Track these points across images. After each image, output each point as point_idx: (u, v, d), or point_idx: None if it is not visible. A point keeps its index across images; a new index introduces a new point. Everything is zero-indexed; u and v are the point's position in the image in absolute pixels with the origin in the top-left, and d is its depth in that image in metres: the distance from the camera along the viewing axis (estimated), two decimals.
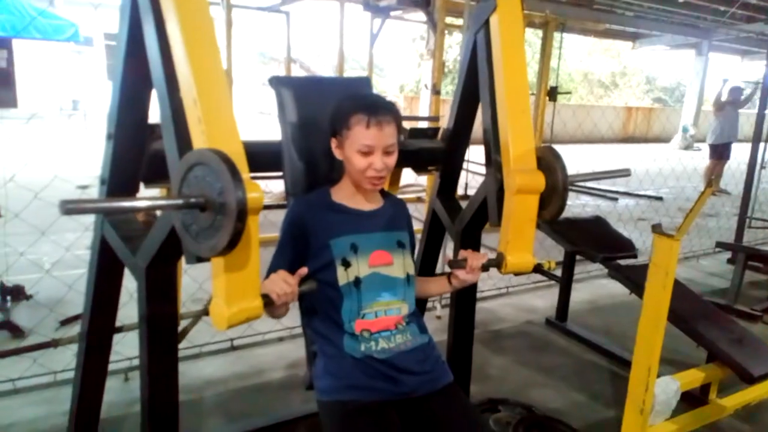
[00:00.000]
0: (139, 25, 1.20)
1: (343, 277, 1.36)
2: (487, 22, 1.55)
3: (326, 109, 1.42)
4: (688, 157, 12.74)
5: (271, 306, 1.17)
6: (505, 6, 1.49)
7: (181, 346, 2.26)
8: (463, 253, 1.41)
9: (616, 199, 7.84)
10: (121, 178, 1.41)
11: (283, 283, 1.18)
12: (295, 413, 2.29)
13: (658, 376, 2.23)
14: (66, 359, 2.45)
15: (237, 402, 2.42)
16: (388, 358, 1.36)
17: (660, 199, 7.98)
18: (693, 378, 2.44)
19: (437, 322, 3.28)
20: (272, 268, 1.32)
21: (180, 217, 1.06)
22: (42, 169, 3.26)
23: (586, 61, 27.68)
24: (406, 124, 1.77)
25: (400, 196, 1.64)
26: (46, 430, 2.13)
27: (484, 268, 1.51)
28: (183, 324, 2.41)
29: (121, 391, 2.41)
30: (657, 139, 18.47)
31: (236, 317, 1.08)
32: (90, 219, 1.58)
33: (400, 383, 1.36)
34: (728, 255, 4.99)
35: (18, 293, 3.20)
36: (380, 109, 1.33)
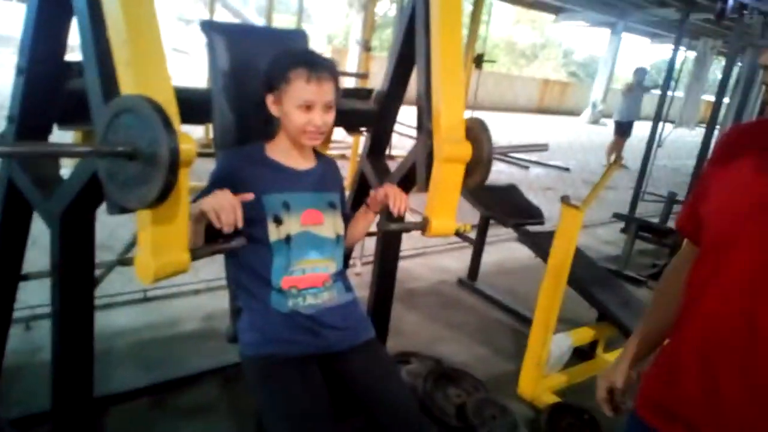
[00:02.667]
0: None
1: (274, 233, 1.37)
2: None
3: (261, 60, 1.38)
4: (595, 131, 13.59)
5: (208, 256, 1.13)
6: None
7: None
8: (386, 188, 1.42)
9: (527, 168, 8.26)
10: (33, 117, 1.29)
11: (230, 208, 1.11)
12: (211, 364, 2.29)
13: (555, 333, 2.47)
14: None
15: (150, 352, 2.38)
16: (314, 314, 1.39)
17: (567, 170, 8.50)
18: (584, 335, 2.71)
19: (356, 279, 3.36)
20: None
21: (105, 165, 1.01)
22: None
23: (511, 30, 28.29)
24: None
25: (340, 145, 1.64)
26: None
27: (409, 230, 1.57)
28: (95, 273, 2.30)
29: (22, 340, 2.29)
30: (569, 112, 19.50)
31: (163, 270, 1.06)
32: None
33: (323, 337, 1.40)
34: (622, 225, 5.47)
35: None
36: (320, 65, 1.32)
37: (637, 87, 8.69)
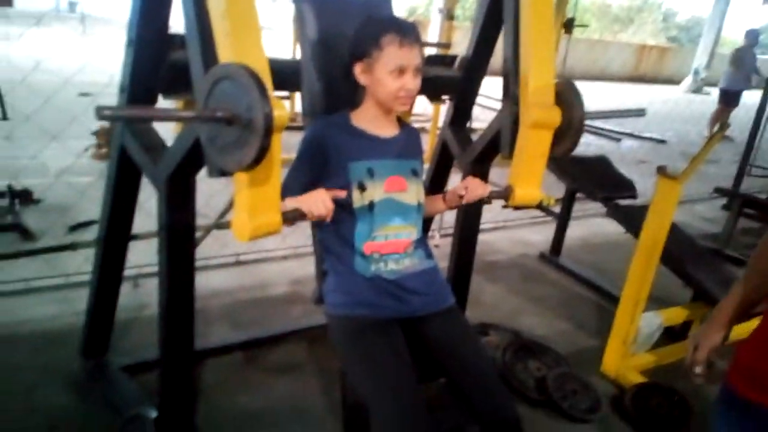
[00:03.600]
0: None
1: (358, 199, 1.40)
2: None
3: (348, 28, 1.40)
4: (697, 100, 12.54)
5: (298, 220, 1.23)
6: None
7: None
8: (464, 183, 1.45)
9: (619, 140, 7.80)
10: (141, 86, 1.41)
11: (323, 206, 1.23)
12: (298, 325, 2.42)
13: (644, 311, 2.36)
14: (76, 263, 2.53)
15: (242, 312, 2.55)
16: (396, 279, 1.43)
17: (663, 142, 7.95)
18: (676, 315, 2.57)
19: (435, 251, 3.37)
20: (288, 184, 1.35)
21: (206, 130, 1.08)
22: (41, 75, 3.21)
23: None
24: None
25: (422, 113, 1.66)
26: (59, 328, 2.24)
27: (490, 199, 1.55)
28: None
29: (131, 297, 2.51)
30: (669, 81, 18.08)
31: (258, 230, 1.13)
32: (93, 125, 1.58)
33: (406, 302, 1.43)
34: (724, 201, 5.06)
35: (26, 197, 3.25)
36: (409, 30, 1.33)
37: (748, 51, 7.89)
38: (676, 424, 2.06)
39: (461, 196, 1.48)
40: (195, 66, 1.12)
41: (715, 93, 9.09)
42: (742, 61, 7.94)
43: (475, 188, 1.45)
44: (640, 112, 1.52)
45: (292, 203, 1.24)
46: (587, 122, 1.45)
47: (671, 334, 2.65)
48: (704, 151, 2.02)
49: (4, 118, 4.88)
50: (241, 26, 1.05)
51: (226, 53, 1.06)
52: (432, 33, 10.38)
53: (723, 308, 1.13)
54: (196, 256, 2.68)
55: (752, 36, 8.00)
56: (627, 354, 2.37)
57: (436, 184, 2.23)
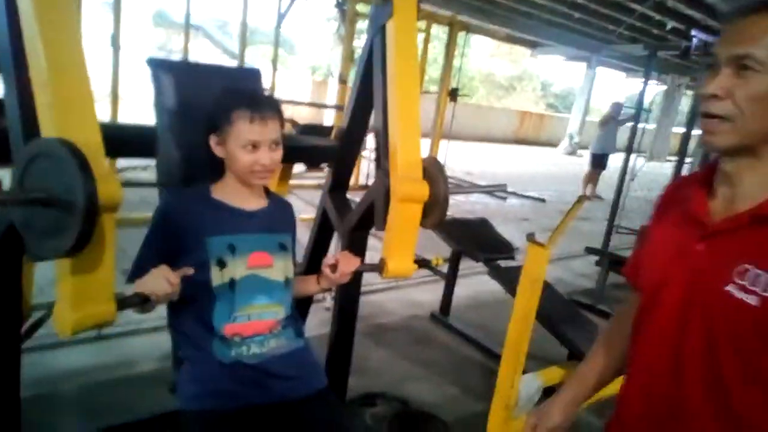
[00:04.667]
0: None
1: (217, 277, 1.30)
2: (383, 28, 1.54)
3: (209, 98, 1.33)
4: (572, 162, 13.81)
5: (145, 304, 1.11)
6: (401, 13, 1.48)
7: (40, 333, 2.06)
8: (336, 256, 1.41)
9: (504, 199, 8.29)
10: None
11: (166, 283, 1.11)
12: (165, 409, 2.17)
13: (525, 372, 2.40)
14: None
15: (101, 396, 2.26)
16: (259, 363, 1.32)
17: (543, 201, 8.56)
18: (554, 375, 2.64)
19: (326, 313, 3.27)
20: (141, 261, 1.26)
21: (20, 213, 0.94)
22: None
23: (489, 62, 28.87)
24: (309, 116, 1.72)
25: (298, 183, 1.61)
26: None
27: (365, 271, 1.51)
28: (37, 315, 2.19)
29: None
30: (546, 143, 19.80)
31: (82, 323, 0.99)
32: None
33: (269, 388, 1.33)
34: (598, 257, 5.46)
35: None
36: (263, 105, 1.29)
37: (613, 120, 8.86)
38: None
39: (332, 273, 1.42)
40: (14, 138, 0.99)
41: (587, 155, 10.04)
42: (608, 128, 8.88)
43: (345, 264, 1.41)
44: (501, 187, 1.58)
45: (138, 286, 1.12)
46: (474, 182, 1.48)
47: (551, 394, 2.72)
48: (566, 219, 2.14)
49: None
50: (67, 96, 0.94)
51: (48, 127, 0.94)
52: (330, 95, 10.64)
53: (566, 389, 1.14)
54: (48, 331, 2.41)
55: (616, 108, 9.01)
56: (509, 418, 2.38)
57: (316, 251, 2.17)
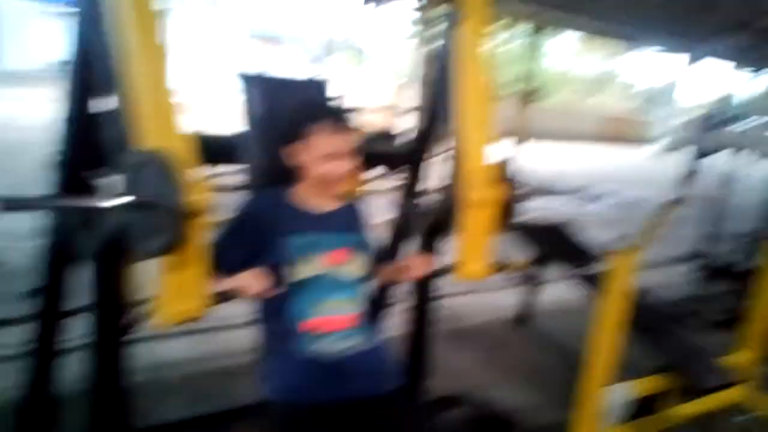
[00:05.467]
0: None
1: (297, 274, 1.37)
2: (452, 33, 1.55)
3: (291, 109, 1.42)
4: (667, 164, 12.93)
5: (232, 299, 1.21)
6: (471, 19, 1.48)
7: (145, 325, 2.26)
8: (408, 259, 1.45)
9: (591, 201, 7.92)
10: (70, 166, 1.39)
11: (257, 283, 1.22)
12: (258, 398, 2.30)
13: (613, 382, 2.29)
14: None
15: (201, 384, 2.43)
16: (338, 359, 1.37)
17: (634, 204, 8.08)
18: (645, 386, 2.50)
19: (403, 316, 3.30)
20: (220, 254, 1.29)
21: (126, 216, 1.05)
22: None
23: (573, 60, 27.72)
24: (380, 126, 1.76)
25: (371, 189, 1.66)
26: None
27: (438, 273, 1.53)
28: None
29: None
30: (637, 143, 18.71)
31: (178, 316, 1.08)
32: None
33: (348, 385, 1.37)
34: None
35: None
36: (341, 117, 1.35)
37: (717, 118, 8.21)
38: None
39: (400, 274, 1.46)
40: (113, 148, 1.11)
41: (685, 155, 9.35)
42: (711, 126, 8.23)
43: (417, 267, 1.44)
44: (579, 190, 1.53)
45: (224, 286, 1.21)
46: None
47: (642, 407, 2.57)
48: (656, 223, 2.03)
49: None
50: (156, 110, 1.04)
51: (143, 137, 1.05)
52: (409, 98, 10.68)
53: None
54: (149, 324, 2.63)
55: (722, 104, 8.34)
56: (597, 428, 2.28)
57: (389, 256, 2.20)
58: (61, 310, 1.68)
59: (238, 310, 2.88)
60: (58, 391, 1.94)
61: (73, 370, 2.39)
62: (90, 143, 1.31)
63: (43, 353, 1.77)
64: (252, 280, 1.22)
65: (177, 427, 2.09)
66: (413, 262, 1.44)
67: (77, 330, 2.22)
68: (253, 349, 2.68)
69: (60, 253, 1.56)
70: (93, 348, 1.40)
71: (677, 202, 1.98)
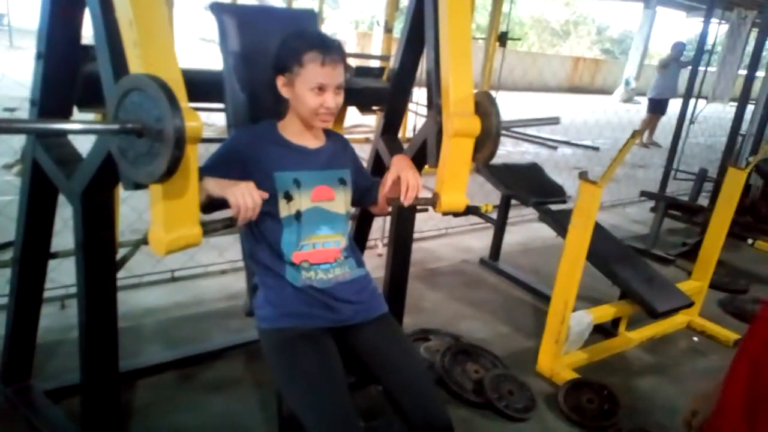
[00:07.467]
0: None
1: (284, 209, 1.40)
2: None
3: (271, 40, 1.40)
4: (628, 109, 13.25)
5: (228, 228, 1.20)
6: None
7: (120, 275, 2.26)
8: (400, 177, 1.45)
9: (555, 148, 8.11)
10: (53, 100, 1.36)
11: (250, 198, 1.20)
12: (235, 340, 2.37)
13: (574, 310, 2.45)
14: None
15: (177, 329, 2.47)
16: (327, 288, 1.43)
17: (596, 149, 8.32)
18: (605, 312, 2.69)
19: (378, 259, 3.40)
20: (209, 169, 1.32)
21: (116, 142, 1.06)
22: None
23: (542, 7, 27.51)
24: (357, 62, 1.77)
25: (347, 137, 1.66)
26: None
27: (420, 207, 1.58)
28: (122, 253, 2.40)
29: (57, 318, 2.40)
30: (601, 91, 18.94)
31: (175, 243, 1.11)
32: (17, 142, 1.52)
33: (337, 311, 1.44)
34: (652, 204, 5.34)
35: None
36: (332, 48, 1.35)
37: (674, 62, 8.39)
38: (605, 417, 2.15)
39: (398, 198, 1.45)
40: (105, 77, 1.10)
41: (645, 102, 9.60)
42: (668, 71, 8.43)
43: (413, 186, 1.43)
44: (553, 120, 1.60)
45: (215, 187, 1.23)
46: (524, 132, 1.50)
47: (602, 332, 2.77)
48: (618, 156, 2.14)
49: None
50: (150, 35, 1.03)
51: (135, 64, 1.04)
52: (375, 46, 10.52)
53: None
54: (128, 273, 2.64)
55: (677, 48, 8.51)
56: (560, 353, 2.45)
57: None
58: (46, 252, 1.67)
59: (212, 258, 2.93)
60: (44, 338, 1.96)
61: (59, 314, 2.41)
62: (76, 75, 1.29)
63: (28, 299, 1.77)
64: (244, 193, 1.20)
65: (162, 368, 2.14)
66: (411, 182, 1.43)
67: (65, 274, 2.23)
68: (225, 296, 2.75)
69: (41, 193, 1.54)
70: (83, 293, 1.41)
71: (638, 134, 2.07)
